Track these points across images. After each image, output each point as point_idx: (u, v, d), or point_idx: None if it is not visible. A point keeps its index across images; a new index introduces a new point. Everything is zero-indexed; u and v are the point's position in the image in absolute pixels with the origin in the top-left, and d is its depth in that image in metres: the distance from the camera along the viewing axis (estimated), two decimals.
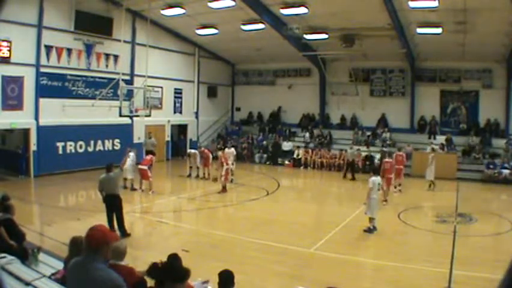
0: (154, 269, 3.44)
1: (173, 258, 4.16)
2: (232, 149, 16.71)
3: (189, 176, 17.31)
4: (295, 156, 21.48)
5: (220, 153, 15.08)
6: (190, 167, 17.51)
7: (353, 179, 17.88)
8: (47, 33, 16.07)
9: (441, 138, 19.94)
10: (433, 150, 17.79)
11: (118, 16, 17.73)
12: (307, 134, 23.13)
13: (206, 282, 5.18)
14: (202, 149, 17.47)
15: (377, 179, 10.11)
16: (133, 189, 14.06)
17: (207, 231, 10.16)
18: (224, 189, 14.21)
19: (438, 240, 9.65)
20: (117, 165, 9.81)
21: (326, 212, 13.41)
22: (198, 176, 16.99)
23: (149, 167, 13.96)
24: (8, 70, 15.03)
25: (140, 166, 14.05)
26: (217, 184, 14.82)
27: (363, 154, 19.90)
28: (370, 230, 9.76)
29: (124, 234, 8.99)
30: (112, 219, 9.02)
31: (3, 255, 5.07)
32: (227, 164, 14.43)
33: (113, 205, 9.08)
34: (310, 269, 7.71)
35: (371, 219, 9.85)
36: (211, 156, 16.96)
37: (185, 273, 3.37)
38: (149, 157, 14.39)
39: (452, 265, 7.60)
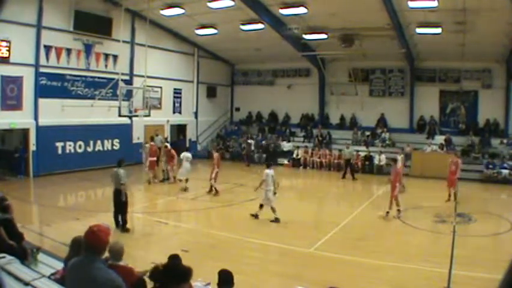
0: (157, 272, 3.43)
1: (174, 259, 4.15)
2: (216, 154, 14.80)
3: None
4: (294, 156, 21.48)
5: (215, 154, 14.61)
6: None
7: (353, 178, 17.93)
8: (46, 33, 16.06)
9: (440, 138, 19.97)
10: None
11: (117, 16, 17.71)
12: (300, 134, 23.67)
13: (208, 284, 5.18)
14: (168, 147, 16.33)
15: (270, 171, 10.74)
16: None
17: (206, 231, 10.15)
18: (216, 190, 14.01)
19: (438, 240, 9.67)
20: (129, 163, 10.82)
21: (325, 212, 13.42)
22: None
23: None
24: (7, 70, 15.03)
25: (150, 158, 15.58)
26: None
27: (363, 154, 19.92)
28: (276, 220, 10.58)
29: (124, 225, 9.56)
30: (117, 213, 9.60)
31: (2, 255, 5.06)
32: (218, 167, 14.07)
33: (116, 199, 9.67)
34: (309, 269, 7.70)
35: (273, 209, 10.60)
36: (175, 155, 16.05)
37: (188, 273, 3.37)
38: (154, 148, 16.04)
39: (452, 265, 7.60)
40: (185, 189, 14.32)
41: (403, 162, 15.68)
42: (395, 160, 13.09)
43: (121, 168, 9.74)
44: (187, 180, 14.61)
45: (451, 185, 13.49)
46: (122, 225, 9.59)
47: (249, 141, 22.70)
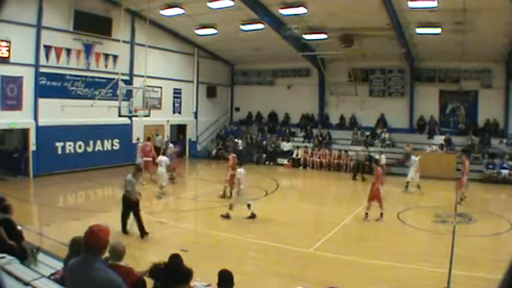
0: (157, 270, 3.41)
1: (176, 259, 4.13)
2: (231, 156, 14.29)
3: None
4: (294, 156, 21.48)
5: (231, 156, 14.01)
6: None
7: (354, 178, 18.10)
8: (46, 33, 16.04)
9: (440, 138, 19.97)
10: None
11: (117, 16, 17.69)
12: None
13: (208, 285, 5.17)
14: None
15: (241, 170, 11.21)
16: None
17: (206, 231, 10.17)
18: (224, 194, 13.59)
19: (438, 240, 9.66)
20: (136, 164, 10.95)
21: (325, 212, 13.40)
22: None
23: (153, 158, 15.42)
24: (7, 70, 15.01)
25: (145, 158, 15.33)
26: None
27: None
28: (253, 216, 10.85)
29: (124, 231, 9.37)
30: (123, 217, 9.51)
31: (2, 255, 5.06)
32: (233, 169, 13.18)
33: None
34: (309, 269, 7.71)
35: (233, 207, 10.97)
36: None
37: (189, 274, 3.35)
38: (149, 148, 15.85)
39: (451, 265, 7.61)
40: (159, 197, 13.40)
41: (420, 163, 15.31)
42: (377, 161, 13.14)
43: (130, 175, 9.67)
44: (161, 187, 13.55)
45: (457, 186, 13.57)
46: (122, 227, 9.41)
47: (236, 140, 22.70)
